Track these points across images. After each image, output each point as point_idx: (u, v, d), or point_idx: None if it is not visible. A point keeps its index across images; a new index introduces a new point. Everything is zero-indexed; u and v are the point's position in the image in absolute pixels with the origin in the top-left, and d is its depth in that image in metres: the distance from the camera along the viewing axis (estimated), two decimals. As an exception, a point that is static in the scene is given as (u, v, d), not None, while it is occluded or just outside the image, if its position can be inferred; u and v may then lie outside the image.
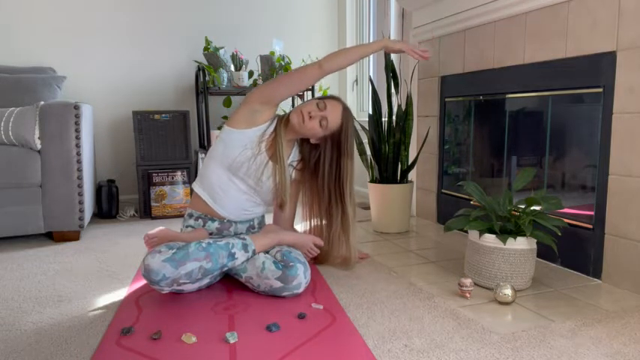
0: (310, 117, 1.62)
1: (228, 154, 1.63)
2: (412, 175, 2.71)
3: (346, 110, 1.69)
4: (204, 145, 2.97)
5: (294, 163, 1.77)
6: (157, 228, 1.60)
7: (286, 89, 1.64)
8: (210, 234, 1.68)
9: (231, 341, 1.19)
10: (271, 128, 1.68)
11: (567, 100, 1.76)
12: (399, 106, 2.38)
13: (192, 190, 1.72)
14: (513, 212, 1.61)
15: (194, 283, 1.44)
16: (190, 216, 1.71)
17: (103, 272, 1.79)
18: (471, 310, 1.40)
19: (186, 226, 1.71)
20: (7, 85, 2.60)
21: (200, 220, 1.68)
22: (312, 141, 1.70)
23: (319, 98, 1.69)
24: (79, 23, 3.06)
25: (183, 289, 1.45)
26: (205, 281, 1.49)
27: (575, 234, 1.72)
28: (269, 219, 1.88)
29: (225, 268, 1.49)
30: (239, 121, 1.65)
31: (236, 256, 1.48)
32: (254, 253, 1.53)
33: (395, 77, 2.37)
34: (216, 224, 1.68)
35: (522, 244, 1.51)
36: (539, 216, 1.53)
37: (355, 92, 3.67)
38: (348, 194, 1.71)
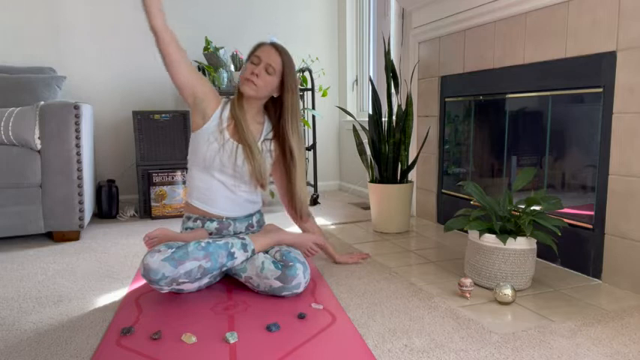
0: (257, 75, 1.59)
1: (198, 154, 1.63)
2: (412, 175, 2.71)
3: (277, 47, 1.65)
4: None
5: (270, 136, 1.73)
6: (156, 228, 1.60)
7: (171, 65, 1.55)
8: (210, 234, 1.68)
9: (231, 341, 1.19)
10: (226, 113, 1.65)
11: (567, 100, 1.76)
12: (399, 106, 2.38)
13: None
14: (513, 212, 1.61)
15: (193, 282, 1.44)
16: (188, 218, 1.71)
17: (103, 272, 1.79)
18: (471, 310, 1.40)
19: (185, 228, 1.71)
20: (7, 85, 2.60)
21: (199, 221, 1.68)
22: (275, 94, 1.67)
23: (250, 56, 1.65)
24: (80, 23, 3.05)
25: (182, 288, 1.45)
26: (205, 281, 1.49)
27: (575, 234, 1.72)
28: (268, 218, 1.88)
29: (225, 268, 1.49)
30: (196, 123, 1.64)
31: (235, 256, 1.48)
32: (253, 252, 1.52)
33: (395, 77, 2.37)
34: (214, 224, 1.68)
35: (522, 244, 1.51)
36: (539, 216, 1.53)
37: (355, 92, 3.68)
38: (290, 131, 1.67)
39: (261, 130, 1.71)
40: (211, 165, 1.63)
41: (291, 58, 1.67)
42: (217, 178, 1.65)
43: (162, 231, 1.59)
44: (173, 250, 1.40)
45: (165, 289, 1.41)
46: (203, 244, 1.44)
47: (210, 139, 1.61)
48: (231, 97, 1.71)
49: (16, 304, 1.49)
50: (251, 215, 1.76)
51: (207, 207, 1.66)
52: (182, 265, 1.38)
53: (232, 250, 1.47)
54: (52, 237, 2.28)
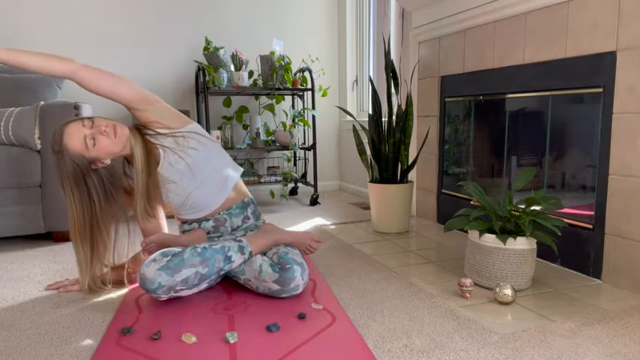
0: (100, 134, 1.46)
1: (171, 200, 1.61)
2: (412, 175, 2.71)
3: (61, 129, 1.47)
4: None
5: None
6: (154, 232, 1.60)
7: None
8: (208, 233, 1.67)
9: (231, 341, 1.19)
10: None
11: (567, 100, 1.76)
12: (399, 106, 2.38)
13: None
14: (513, 212, 1.61)
15: (191, 288, 1.43)
16: (184, 222, 1.70)
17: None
18: (471, 310, 1.40)
19: (183, 231, 1.70)
20: (7, 85, 2.60)
21: (194, 223, 1.68)
22: (107, 158, 1.53)
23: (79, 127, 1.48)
24: (79, 23, 3.05)
25: (181, 295, 1.44)
26: (203, 286, 1.48)
27: (575, 234, 1.72)
28: (268, 219, 1.88)
29: (223, 272, 1.48)
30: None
31: (232, 259, 1.47)
32: (251, 255, 1.51)
33: (395, 77, 2.37)
34: (210, 223, 1.67)
35: (522, 244, 1.51)
36: (539, 216, 1.53)
37: (355, 92, 3.68)
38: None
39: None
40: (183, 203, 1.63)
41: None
42: (195, 189, 1.61)
43: (159, 235, 1.58)
44: (169, 258, 1.39)
45: (164, 297, 1.41)
46: (199, 249, 1.43)
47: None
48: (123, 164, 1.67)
49: (16, 304, 1.49)
50: (245, 206, 1.72)
51: (199, 214, 1.65)
52: (178, 273, 1.38)
53: (229, 254, 1.47)
54: (52, 237, 2.28)
